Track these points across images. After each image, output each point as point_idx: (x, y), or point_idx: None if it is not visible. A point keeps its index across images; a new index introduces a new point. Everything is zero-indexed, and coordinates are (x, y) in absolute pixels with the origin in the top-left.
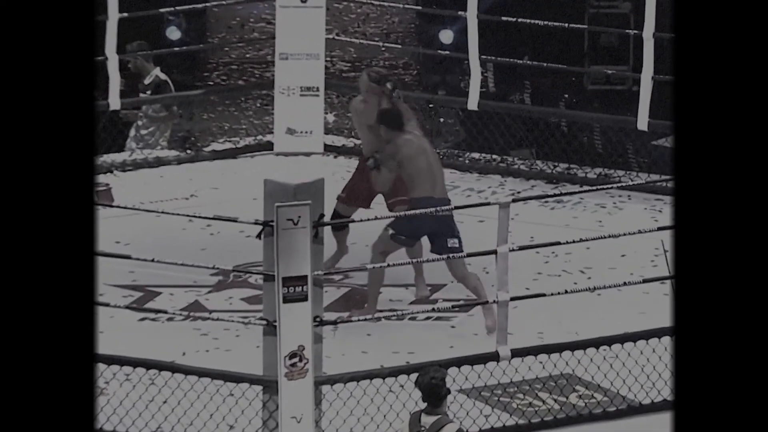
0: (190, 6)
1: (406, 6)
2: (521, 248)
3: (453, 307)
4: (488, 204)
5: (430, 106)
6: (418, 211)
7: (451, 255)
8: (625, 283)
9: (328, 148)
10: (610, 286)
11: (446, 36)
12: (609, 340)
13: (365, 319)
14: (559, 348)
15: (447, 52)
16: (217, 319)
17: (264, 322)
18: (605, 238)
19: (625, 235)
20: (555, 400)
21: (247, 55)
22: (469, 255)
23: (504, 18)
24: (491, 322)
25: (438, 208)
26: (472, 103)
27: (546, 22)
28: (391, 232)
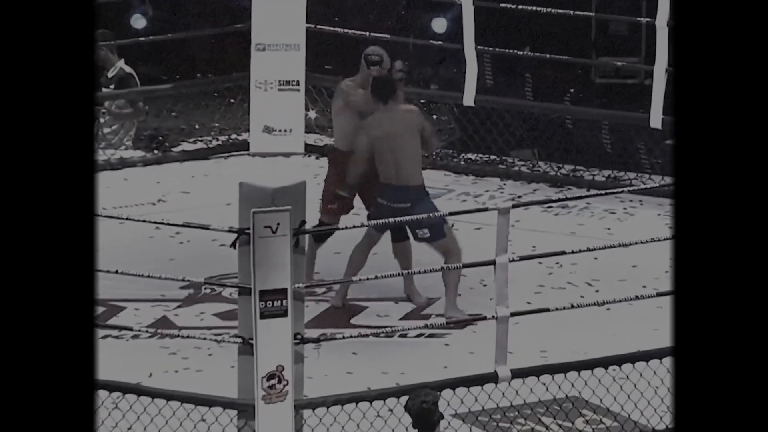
0: None
1: None
2: (522, 258)
3: (447, 323)
4: (486, 210)
5: (422, 102)
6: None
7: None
8: (636, 297)
9: (310, 149)
10: (620, 300)
11: (439, 24)
12: (619, 360)
13: (350, 336)
14: (564, 368)
15: (440, 43)
16: (188, 337)
17: (239, 340)
18: (615, 247)
19: (636, 243)
20: (560, 426)
21: (221, 46)
22: (466, 266)
23: (503, 5)
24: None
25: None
26: (468, 99)
27: (549, 9)
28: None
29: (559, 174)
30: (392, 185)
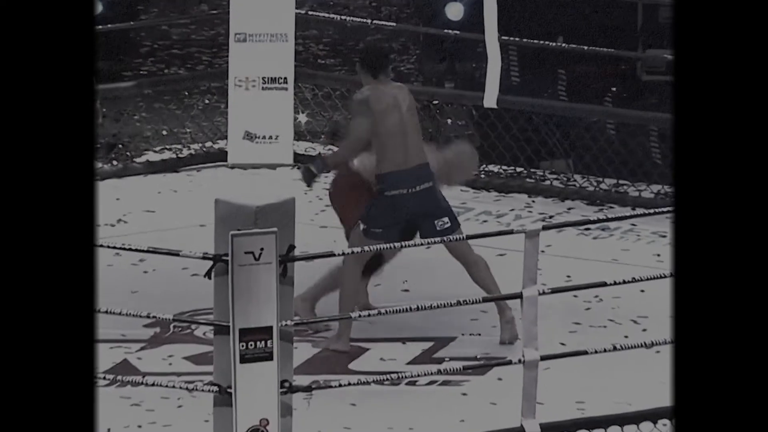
0: None
1: None
2: (555, 291)
3: (464, 368)
4: (511, 232)
5: (434, 102)
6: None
7: (448, 238)
8: None
9: (300, 159)
10: (671, 341)
11: (455, 11)
12: (670, 412)
13: (348, 384)
14: (604, 422)
15: (456, 32)
16: (153, 384)
17: (215, 389)
18: (665, 277)
19: None
20: None
21: (193, 36)
22: (487, 300)
23: None
24: (508, 335)
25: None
26: (490, 100)
27: None
28: (362, 227)
29: (598, 189)
30: (403, 170)
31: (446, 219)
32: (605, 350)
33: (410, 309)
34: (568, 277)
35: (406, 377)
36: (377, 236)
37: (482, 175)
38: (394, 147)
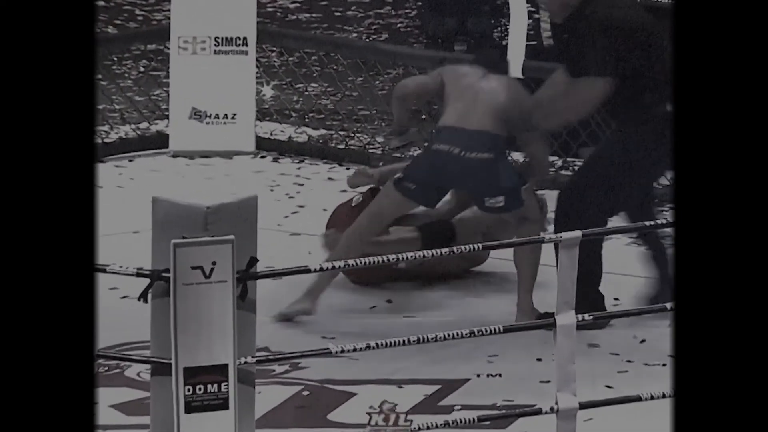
0: None
1: None
2: (598, 318)
3: (480, 419)
4: (542, 240)
5: None
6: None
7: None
8: None
9: (265, 144)
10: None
11: None
12: None
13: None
14: None
15: None
16: None
17: None
18: None
19: None
20: None
21: None
22: (509, 329)
23: None
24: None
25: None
26: (515, 67)
27: None
28: (396, 176)
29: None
30: (461, 128)
31: (500, 198)
32: (664, 396)
33: (409, 341)
34: (617, 300)
35: (407, 428)
36: (409, 193)
37: None
38: (455, 100)
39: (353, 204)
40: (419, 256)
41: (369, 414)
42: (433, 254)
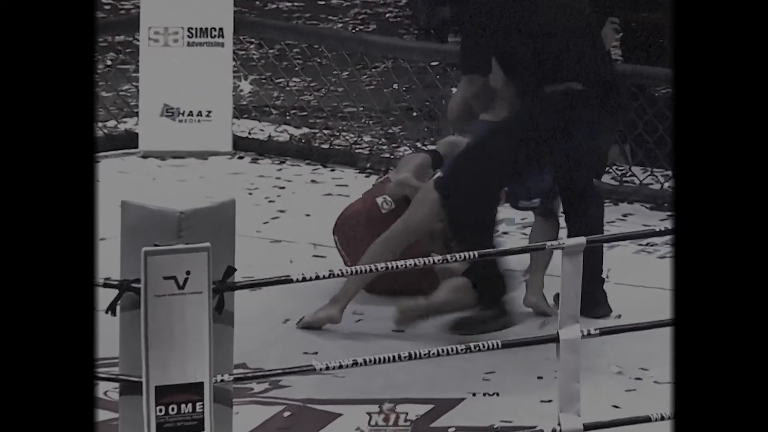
0: None
1: None
2: (605, 332)
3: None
4: (542, 248)
5: (433, 64)
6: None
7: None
8: None
9: (242, 144)
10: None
11: None
12: None
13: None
14: None
15: None
16: None
17: None
18: None
19: None
20: None
21: None
22: (507, 345)
23: None
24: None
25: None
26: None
27: None
28: (436, 176)
29: (665, 187)
30: (491, 122)
31: (536, 202)
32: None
33: (400, 357)
34: (622, 314)
35: None
36: (444, 189)
37: None
38: (489, 93)
39: (384, 211)
40: (427, 262)
41: (369, 414)
42: (442, 260)
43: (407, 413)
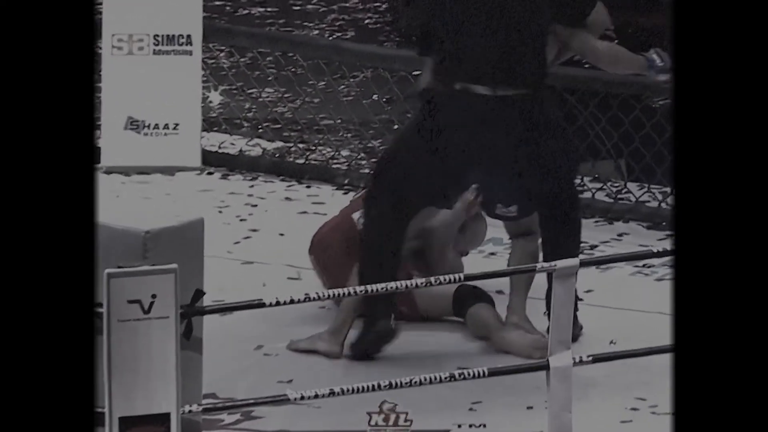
0: None
1: None
2: (598, 360)
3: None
4: (532, 270)
5: (415, 74)
6: None
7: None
8: None
9: (212, 159)
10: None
11: None
12: None
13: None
14: None
15: None
16: None
17: None
18: None
19: None
20: None
21: None
22: (495, 373)
23: None
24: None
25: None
26: None
27: None
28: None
29: (663, 205)
30: None
31: (513, 208)
32: None
33: (379, 386)
34: (612, 342)
35: None
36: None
37: None
38: None
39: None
40: (409, 285)
41: (369, 414)
42: (425, 283)
43: (407, 413)
